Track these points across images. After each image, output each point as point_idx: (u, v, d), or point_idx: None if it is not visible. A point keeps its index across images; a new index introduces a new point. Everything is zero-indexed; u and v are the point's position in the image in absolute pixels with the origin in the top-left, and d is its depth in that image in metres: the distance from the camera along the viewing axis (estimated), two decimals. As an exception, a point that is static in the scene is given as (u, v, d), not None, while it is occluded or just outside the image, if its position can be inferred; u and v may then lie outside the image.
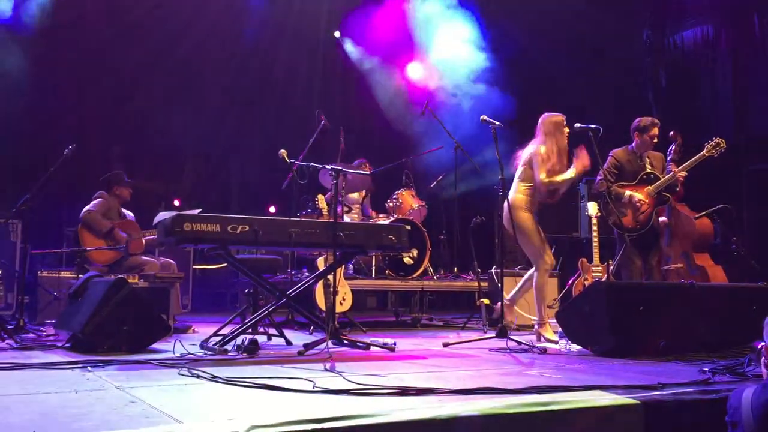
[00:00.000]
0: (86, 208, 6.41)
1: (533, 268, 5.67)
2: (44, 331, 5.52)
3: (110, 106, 9.54)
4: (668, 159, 6.21)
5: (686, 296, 4.79)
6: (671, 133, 6.33)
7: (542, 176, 5.47)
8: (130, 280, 5.18)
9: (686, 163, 6.10)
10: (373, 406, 2.64)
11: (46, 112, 8.88)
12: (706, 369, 3.62)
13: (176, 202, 9.83)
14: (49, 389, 3.04)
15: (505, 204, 5.52)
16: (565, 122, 5.63)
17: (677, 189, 6.16)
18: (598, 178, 6.11)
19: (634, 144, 6.23)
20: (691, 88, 10.18)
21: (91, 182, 6.93)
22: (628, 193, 6.09)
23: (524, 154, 5.72)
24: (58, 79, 9.20)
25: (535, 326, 5.62)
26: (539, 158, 5.53)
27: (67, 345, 4.60)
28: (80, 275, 5.87)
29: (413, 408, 2.57)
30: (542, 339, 5.47)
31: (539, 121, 5.70)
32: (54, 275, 6.74)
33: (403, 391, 2.98)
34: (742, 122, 9.63)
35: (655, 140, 6.17)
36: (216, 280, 9.88)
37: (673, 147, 6.24)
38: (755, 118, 9.53)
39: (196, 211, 6.83)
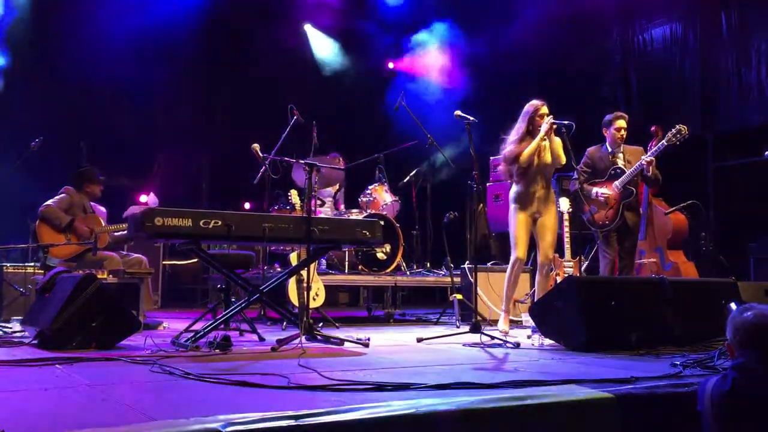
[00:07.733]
0: (45, 202, 6.27)
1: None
2: (10, 328, 5.40)
3: (78, 98, 9.36)
4: (649, 154, 6.22)
5: (657, 291, 4.86)
6: (653, 128, 6.37)
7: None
8: (99, 276, 5.09)
9: (648, 154, 6.11)
10: (349, 401, 2.63)
11: (13, 105, 8.69)
12: (677, 363, 3.67)
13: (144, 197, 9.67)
14: (18, 387, 2.97)
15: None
16: (542, 108, 5.69)
17: (652, 178, 6.13)
18: (574, 176, 6.15)
19: (606, 141, 6.27)
20: (660, 86, 10.30)
21: (58, 176, 6.79)
22: (594, 189, 6.14)
23: None
24: (26, 71, 9.01)
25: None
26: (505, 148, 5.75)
27: (35, 342, 4.50)
28: (45, 271, 5.75)
29: (390, 403, 2.56)
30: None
31: None
32: (20, 271, 6.60)
33: (379, 387, 2.96)
34: (709, 119, 9.76)
35: (622, 132, 6.17)
36: (186, 276, 9.78)
37: (654, 142, 6.28)
38: (722, 115, 9.67)
39: (153, 197, 6.79)
